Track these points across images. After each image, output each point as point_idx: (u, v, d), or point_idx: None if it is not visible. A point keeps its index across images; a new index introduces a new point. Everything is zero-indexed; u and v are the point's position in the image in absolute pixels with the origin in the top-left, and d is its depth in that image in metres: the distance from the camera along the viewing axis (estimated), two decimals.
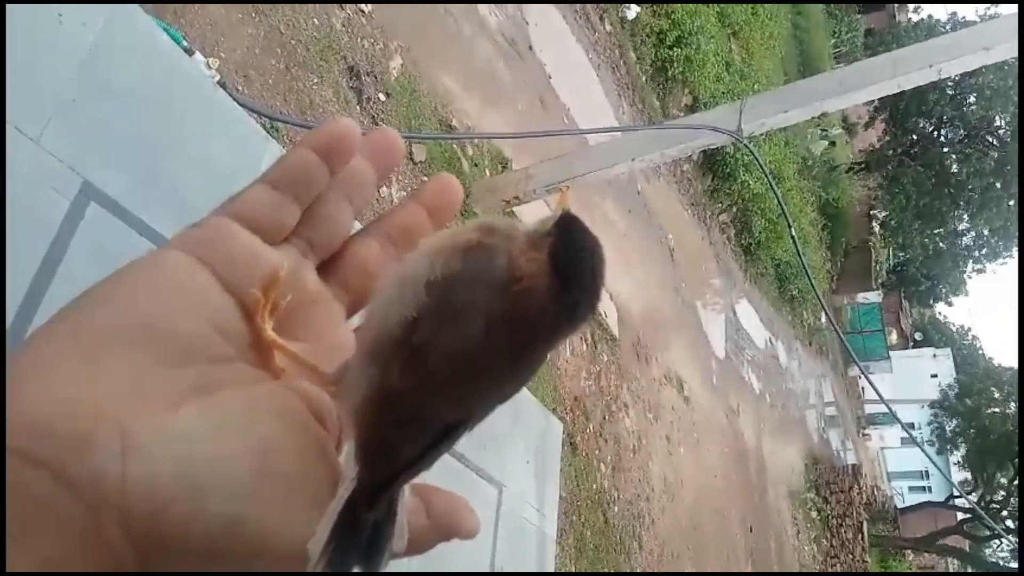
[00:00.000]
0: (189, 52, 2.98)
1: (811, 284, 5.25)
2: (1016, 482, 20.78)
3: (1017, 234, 21.03)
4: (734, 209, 12.15)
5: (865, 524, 15.58)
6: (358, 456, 0.34)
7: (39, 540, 0.29)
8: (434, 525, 0.38)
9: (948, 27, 21.29)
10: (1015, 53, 3.70)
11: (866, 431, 26.93)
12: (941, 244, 24.41)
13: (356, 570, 0.33)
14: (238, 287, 0.38)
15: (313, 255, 0.43)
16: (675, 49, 9.65)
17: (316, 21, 4.00)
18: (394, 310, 0.34)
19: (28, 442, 0.30)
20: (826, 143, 19.82)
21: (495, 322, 0.32)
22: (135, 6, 1.37)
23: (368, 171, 0.43)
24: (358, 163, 0.42)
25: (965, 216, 22.37)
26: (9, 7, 1.13)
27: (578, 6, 7.99)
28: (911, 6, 32.85)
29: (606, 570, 5.87)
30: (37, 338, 0.33)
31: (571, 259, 0.32)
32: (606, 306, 7.08)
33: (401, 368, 0.33)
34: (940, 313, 43.58)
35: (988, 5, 22.11)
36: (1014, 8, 3.76)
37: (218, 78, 3.12)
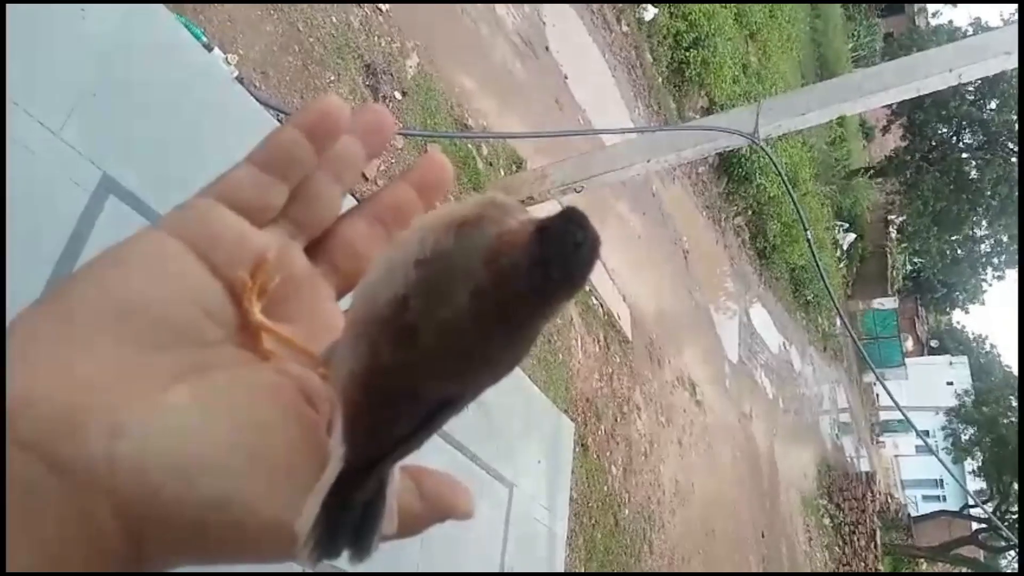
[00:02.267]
0: (208, 48, 3.01)
1: (827, 289, 5.21)
2: None
3: (1018, 246, 20.80)
4: (749, 212, 12.09)
5: (878, 532, 15.45)
6: (345, 436, 0.33)
7: (28, 521, 0.29)
8: (427, 507, 0.38)
9: (969, 31, 21.08)
10: None
11: (880, 438, 26.69)
12: (959, 250, 24.20)
13: (345, 552, 0.32)
14: (225, 269, 0.38)
15: (301, 236, 0.42)
16: (692, 51, 9.62)
17: (334, 19, 4.02)
18: (383, 288, 0.33)
19: (16, 425, 0.30)
20: (853, 236, 19.91)
21: (484, 297, 0.31)
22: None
23: (357, 150, 0.42)
24: (347, 142, 0.42)
25: (983, 222, 22.15)
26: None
27: (595, 7, 7.98)
28: (930, 9, 32.54)
29: (615, 570, 5.85)
30: (23, 320, 0.33)
31: (557, 231, 0.31)
32: (619, 307, 7.06)
33: (390, 346, 0.33)
34: (957, 321, 43.18)
35: (1014, 11, 21.86)
36: None
37: (236, 74, 3.15)
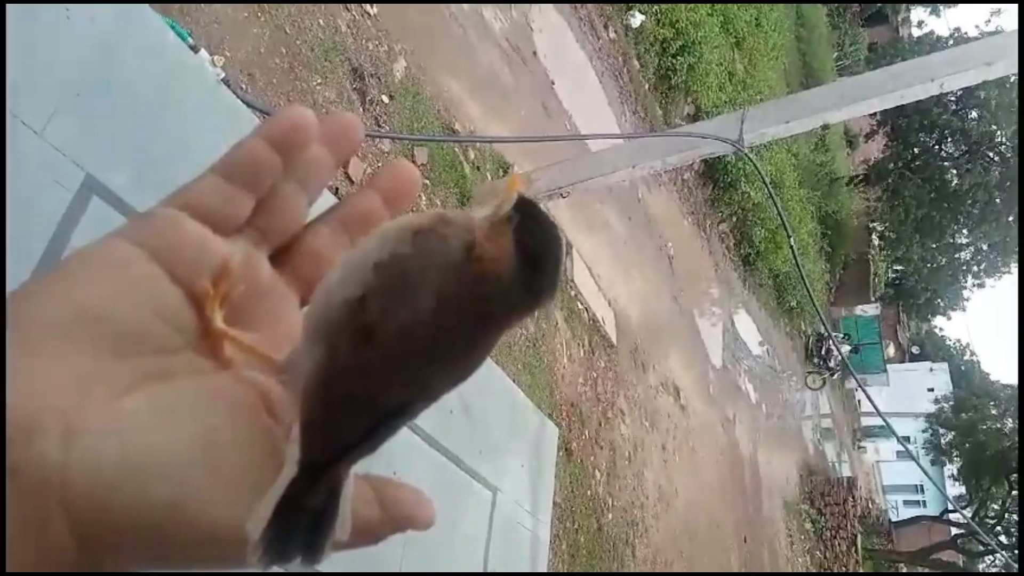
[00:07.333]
0: (194, 49, 2.99)
1: (809, 295, 5.26)
2: (1015, 492, 20.76)
3: (1017, 249, 21.06)
4: (734, 219, 12.17)
5: (859, 537, 15.56)
6: (299, 438, 0.33)
7: None
8: (386, 515, 0.38)
9: (951, 42, 21.36)
10: (1015, 69, 3.72)
11: (862, 444, 26.92)
12: (940, 258, 24.44)
13: (297, 558, 0.32)
14: (187, 278, 0.37)
15: (266, 244, 0.42)
16: (678, 58, 9.68)
17: (321, 22, 4.02)
18: (342, 289, 0.34)
19: None
20: (848, 348, 20.06)
21: (446, 304, 0.32)
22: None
23: (325, 158, 0.42)
24: (315, 150, 0.41)
25: (964, 230, 22.42)
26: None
27: (583, 14, 8.02)
28: (914, 20, 32.92)
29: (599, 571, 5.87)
30: None
31: (537, 242, 0.32)
32: (604, 312, 7.08)
33: (346, 347, 0.33)
34: (937, 327, 43.62)
35: (989, 18, 22.16)
36: (1015, 25, 3.79)
37: (222, 76, 3.13)
